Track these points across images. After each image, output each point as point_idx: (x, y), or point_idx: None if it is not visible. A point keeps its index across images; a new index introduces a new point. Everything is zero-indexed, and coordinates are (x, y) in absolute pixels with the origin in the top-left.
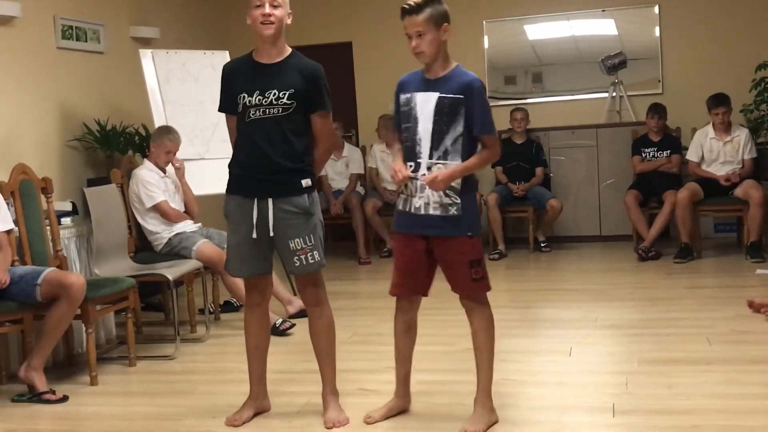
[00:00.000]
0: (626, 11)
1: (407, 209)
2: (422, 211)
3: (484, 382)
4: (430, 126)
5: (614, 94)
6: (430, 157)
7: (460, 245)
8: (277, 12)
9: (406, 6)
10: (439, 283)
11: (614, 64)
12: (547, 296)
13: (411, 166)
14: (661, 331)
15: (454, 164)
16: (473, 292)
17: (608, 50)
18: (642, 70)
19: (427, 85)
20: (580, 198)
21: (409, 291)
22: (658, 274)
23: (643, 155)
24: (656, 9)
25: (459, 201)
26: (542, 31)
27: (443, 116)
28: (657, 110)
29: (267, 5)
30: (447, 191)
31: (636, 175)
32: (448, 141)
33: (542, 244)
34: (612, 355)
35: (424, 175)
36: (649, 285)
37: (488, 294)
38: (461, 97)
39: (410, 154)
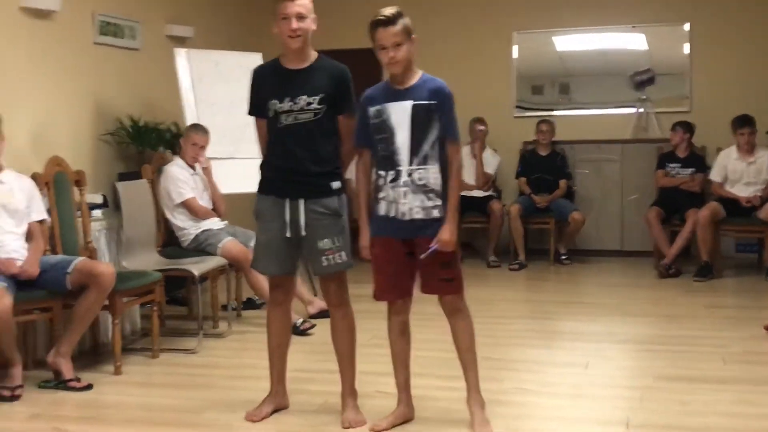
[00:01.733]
0: (656, 27)
1: (390, 214)
2: (407, 217)
3: (473, 381)
4: (407, 134)
5: (641, 110)
6: (410, 163)
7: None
8: (304, 24)
9: (382, 18)
10: None
11: (642, 80)
12: (565, 308)
13: (391, 174)
14: (677, 348)
15: (433, 168)
16: (440, 292)
17: (637, 65)
18: (670, 86)
19: (398, 95)
20: (603, 212)
21: (397, 294)
22: (677, 291)
23: (668, 170)
24: (687, 26)
25: (440, 202)
26: (571, 42)
27: (419, 123)
28: (681, 125)
29: (293, 20)
30: (429, 195)
31: (659, 192)
32: (426, 147)
33: (563, 257)
34: (628, 369)
35: (430, 249)
36: (667, 302)
37: (506, 302)
38: (434, 102)
39: (388, 163)
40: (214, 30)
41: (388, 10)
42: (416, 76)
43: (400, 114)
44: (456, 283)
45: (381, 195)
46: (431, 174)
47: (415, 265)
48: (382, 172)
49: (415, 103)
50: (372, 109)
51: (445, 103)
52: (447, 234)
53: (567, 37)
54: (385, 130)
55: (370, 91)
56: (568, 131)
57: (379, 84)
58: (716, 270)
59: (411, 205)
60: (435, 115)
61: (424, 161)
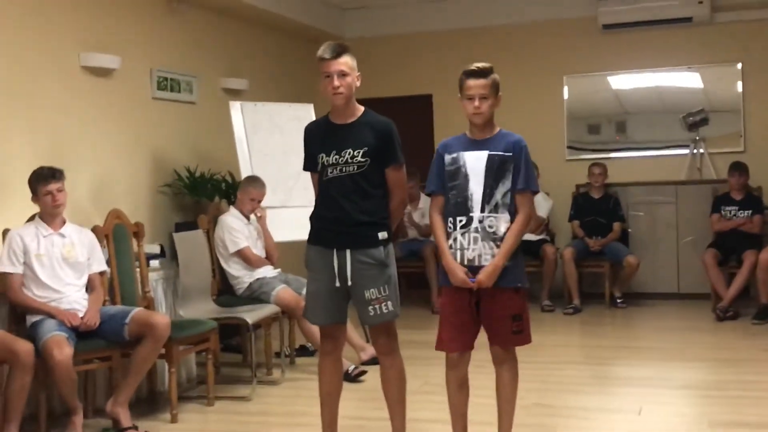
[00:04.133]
0: (710, 68)
1: (458, 262)
2: (476, 263)
3: (506, 430)
4: (481, 182)
5: (695, 151)
6: (482, 210)
7: (507, 298)
8: (346, 81)
9: (475, 68)
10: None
11: (695, 121)
12: (620, 353)
13: (462, 220)
14: (734, 394)
15: (504, 217)
16: (511, 344)
17: (692, 103)
18: (725, 124)
19: (475, 145)
20: (658, 255)
21: (460, 346)
22: (736, 334)
23: (724, 213)
24: (739, 66)
25: None
26: (626, 81)
27: (493, 173)
28: (739, 168)
29: (335, 78)
30: (498, 242)
31: (715, 234)
32: (498, 195)
33: (618, 300)
34: (683, 416)
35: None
36: (725, 346)
37: (559, 347)
38: (510, 154)
39: (461, 209)
40: (268, 82)
41: (483, 64)
42: (495, 130)
43: (475, 163)
44: (525, 334)
45: (449, 242)
46: (501, 222)
47: (479, 317)
48: (452, 219)
49: (491, 153)
50: (448, 157)
51: (521, 155)
52: (483, 274)
53: (622, 77)
54: (458, 177)
55: (446, 140)
56: (622, 173)
57: (457, 135)
58: None
59: (479, 252)
60: (509, 166)
61: (495, 210)
